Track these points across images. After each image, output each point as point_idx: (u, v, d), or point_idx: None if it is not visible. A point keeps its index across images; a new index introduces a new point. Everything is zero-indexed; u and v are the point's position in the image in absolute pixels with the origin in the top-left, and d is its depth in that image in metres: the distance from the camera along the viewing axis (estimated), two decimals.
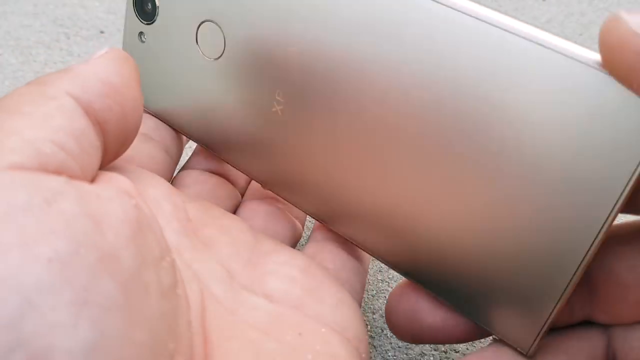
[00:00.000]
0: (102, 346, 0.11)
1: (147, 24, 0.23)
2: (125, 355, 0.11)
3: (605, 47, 0.14)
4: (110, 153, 0.16)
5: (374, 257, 0.20)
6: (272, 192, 0.22)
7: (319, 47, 0.19)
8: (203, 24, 0.22)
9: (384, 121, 0.18)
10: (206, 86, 0.22)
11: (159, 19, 0.23)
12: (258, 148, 0.21)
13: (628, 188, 0.15)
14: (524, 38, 0.16)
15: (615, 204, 0.15)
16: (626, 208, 0.16)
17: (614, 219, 0.16)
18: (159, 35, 0.23)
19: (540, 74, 0.16)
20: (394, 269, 0.19)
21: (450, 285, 0.18)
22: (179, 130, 0.23)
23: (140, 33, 0.24)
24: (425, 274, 0.19)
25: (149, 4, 0.23)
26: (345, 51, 0.18)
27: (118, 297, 0.11)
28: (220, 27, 0.21)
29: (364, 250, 0.20)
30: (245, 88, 0.21)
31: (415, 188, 0.18)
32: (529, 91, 0.16)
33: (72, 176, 0.13)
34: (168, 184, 0.20)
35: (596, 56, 0.16)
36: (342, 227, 0.20)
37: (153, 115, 0.23)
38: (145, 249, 0.13)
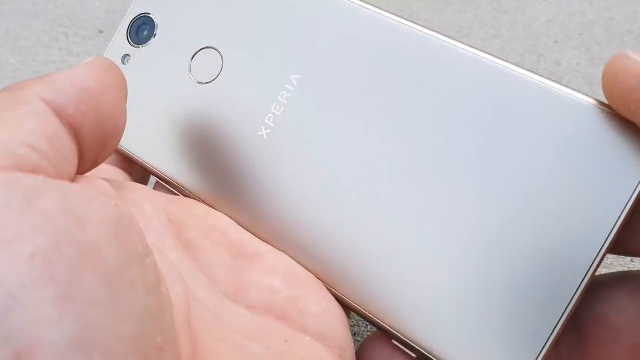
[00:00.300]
0: (88, 339, 0.11)
1: (136, 47, 0.24)
2: (112, 347, 0.11)
3: (608, 75, 0.15)
4: (88, 158, 0.16)
5: (351, 308, 0.19)
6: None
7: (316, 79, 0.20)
8: (202, 50, 0.22)
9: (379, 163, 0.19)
10: (193, 110, 0.22)
11: (152, 42, 0.23)
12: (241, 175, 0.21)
13: (614, 231, 0.16)
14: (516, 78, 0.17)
15: (602, 246, 0.16)
16: (614, 249, 0.17)
17: (601, 261, 0.16)
18: (147, 58, 0.24)
19: (535, 114, 0.17)
20: (373, 322, 0.19)
21: (433, 332, 0.18)
22: (144, 163, 0.22)
23: (125, 55, 0.24)
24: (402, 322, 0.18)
25: (146, 31, 0.24)
26: (336, 81, 0.20)
27: (101, 291, 0.11)
28: (219, 52, 0.22)
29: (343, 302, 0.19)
30: (235, 111, 0.21)
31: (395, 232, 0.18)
32: (514, 130, 0.17)
33: (48, 176, 0.13)
34: (148, 188, 0.20)
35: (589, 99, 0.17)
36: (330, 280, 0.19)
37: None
38: (128, 245, 0.13)
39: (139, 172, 0.23)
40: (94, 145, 0.16)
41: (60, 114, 0.15)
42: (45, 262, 0.11)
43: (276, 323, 0.18)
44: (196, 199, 0.21)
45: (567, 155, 0.16)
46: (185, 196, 0.21)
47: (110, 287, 0.12)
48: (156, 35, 0.23)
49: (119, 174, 0.22)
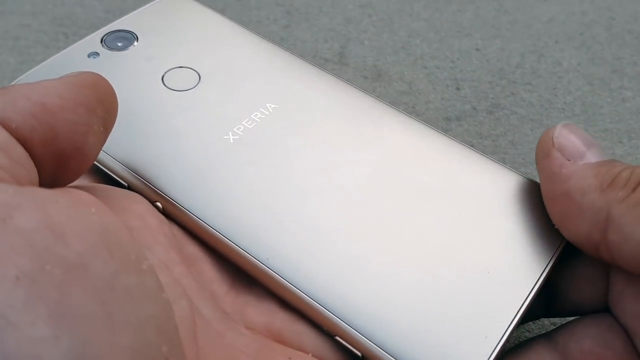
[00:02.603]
0: (88, 354, 0.11)
1: (108, 50, 0.24)
2: None
3: (538, 146, 0.21)
4: (45, 174, 0.16)
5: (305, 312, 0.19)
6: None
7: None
8: (180, 67, 0.23)
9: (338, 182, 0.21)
10: (161, 112, 0.22)
11: (127, 52, 0.24)
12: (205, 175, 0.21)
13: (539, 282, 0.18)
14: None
15: (527, 296, 0.18)
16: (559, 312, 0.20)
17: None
18: (117, 60, 0.24)
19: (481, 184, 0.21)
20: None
21: (379, 330, 0.18)
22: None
23: (94, 53, 0.24)
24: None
25: (123, 42, 0.24)
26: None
27: (93, 306, 0.11)
28: (197, 72, 0.24)
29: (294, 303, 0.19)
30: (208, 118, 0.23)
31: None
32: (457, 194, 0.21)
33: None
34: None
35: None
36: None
37: None
38: (118, 254, 0.13)
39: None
40: (46, 161, 0.16)
41: (4, 125, 0.15)
42: (31, 283, 0.11)
43: (276, 344, 0.18)
44: (153, 196, 0.21)
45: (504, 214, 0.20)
46: (140, 193, 0.21)
47: (102, 299, 0.11)
48: (133, 47, 0.24)
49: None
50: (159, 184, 0.21)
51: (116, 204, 0.18)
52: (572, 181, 0.19)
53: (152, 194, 0.20)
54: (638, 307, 0.18)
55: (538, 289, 0.19)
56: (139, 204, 0.19)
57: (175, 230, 0.20)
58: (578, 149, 0.19)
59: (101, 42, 0.25)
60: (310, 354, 0.18)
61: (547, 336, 0.20)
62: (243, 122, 0.23)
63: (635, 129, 0.35)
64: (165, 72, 0.24)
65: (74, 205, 0.13)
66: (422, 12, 0.43)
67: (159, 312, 0.13)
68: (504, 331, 0.17)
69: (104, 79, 0.18)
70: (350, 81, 0.37)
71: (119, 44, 0.25)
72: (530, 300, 0.18)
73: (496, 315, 0.18)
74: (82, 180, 0.20)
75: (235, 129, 0.22)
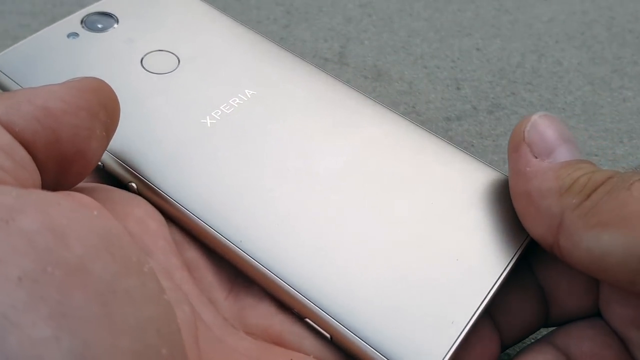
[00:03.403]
0: (88, 356, 0.11)
1: (88, 31, 0.24)
2: None
3: (511, 137, 0.21)
4: (47, 178, 0.16)
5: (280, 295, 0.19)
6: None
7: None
8: (160, 51, 0.24)
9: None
10: (139, 94, 0.23)
11: (107, 33, 0.24)
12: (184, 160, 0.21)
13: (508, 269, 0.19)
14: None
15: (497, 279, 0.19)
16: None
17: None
18: (97, 42, 0.24)
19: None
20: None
21: (349, 312, 0.18)
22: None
23: (73, 33, 0.24)
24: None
25: (103, 24, 0.24)
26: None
27: (94, 307, 0.11)
28: (177, 56, 0.24)
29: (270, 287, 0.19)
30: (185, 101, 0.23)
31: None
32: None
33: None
34: (148, 203, 0.20)
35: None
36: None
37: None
38: (120, 256, 0.13)
39: None
40: (49, 165, 0.16)
41: (7, 128, 0.15)
42: (33, 284, 0.11)
43: (277, 347, 0.18)
44: (128, 177, 0.21)
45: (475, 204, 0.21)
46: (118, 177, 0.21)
47: (103, 302, 0.11)
48: (113, 29, 0.24)
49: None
50: (133, 164, 0.21)
51: (117, 208, 0.18)
52: (533, 182, 0.19)
53: (126, 175, 0.21)
54: (624, 311, 0.18)
55: (505, 277, 0.19)
56: (139, 208, 0.19)
57: (176, 235, 0.20)
58: (548, 145, 0.19)
59: (81, 22, 0.25)
60: (311, 356, 0.18)
61: (547, 339, 0.20)
62: (221, 107, 0.23)
63: (636, 129, 0.35)
64: (145, 55, 0.24)
65: (76, 208, 0.13)
66: (422, 12, 0.43)
67: (159, 315, 0.13)
68: (470, 317, 0.18)
69: (106, 84, 0.18)
70: (350, 81, 0.37)
71: (99, 26, 0.25)
72: (497, 288, 0.19)
73: (463, 301, 0.18)
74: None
75: (212, 114, 0.22)
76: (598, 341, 0.19)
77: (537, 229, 0.19)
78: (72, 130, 0.16)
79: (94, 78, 0.18)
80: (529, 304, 0.20)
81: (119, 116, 0.18)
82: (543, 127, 0.20)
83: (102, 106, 0.17)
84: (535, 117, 0.20)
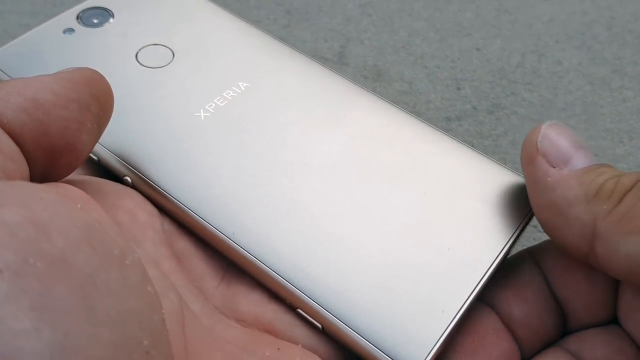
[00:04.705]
0: (69, 347, 0.11)
1: (84, 26, 0.24)
2: (94, 354, 0.11)
3: (523, 150, 0.20)
4: (35, 170, 0.16)
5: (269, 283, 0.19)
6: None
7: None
8: (154, 45, 0.24)
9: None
10: (134, 88, 0.23)
11: (103, 28, 0.24)
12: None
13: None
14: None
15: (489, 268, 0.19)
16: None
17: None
18: (93, 37, 0.24)
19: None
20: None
21: (341, 301, 0.18)
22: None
23: (69, 29, 0.25)
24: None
25: (99, 19, 0.25)
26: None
27: (75, 299, 0.11)
28: (171, 50, 0.24)
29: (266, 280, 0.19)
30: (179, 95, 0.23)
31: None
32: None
33: None
34: (139, 194, 0.20)
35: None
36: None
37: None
38: (101, 249, 0.13)
39: None
40: (37, 157, 0.16)
41: None
42: (14, 276, 0.11)
43: (266, 335, 0.18)
44: (123, 171, 0.21)
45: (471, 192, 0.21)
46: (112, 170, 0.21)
47: (83, 294, 0.11)
48: (109, 24, 0.24)
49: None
50: (128, 158, 0.21)
51: (107, 199, 0.18)
52: (557, 191, 0.18)
53: (121, 168, 0.21)
54: None
55: (496, 267, 0.19)
56: (129, 199, 0.19)
57: (167, 225, 0.20)
58: (563, 154, 0.19)
59: (77, 18, 0.25)
60: (300, 345, 0.18)
61: (560, 344, 0.20)
62: (215, 100, 0.23)
63: (636, 129, 0.35)
64: (140, 49, 0.24)
65: (59, 201, 0.13)
66: (422, 12, 0.43)
67: (141, 307, 0.13)
68: (460, 306, 0.18)
69: (99, 74, 0.18)
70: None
71: (95, 21, 0.25)
72: (488, 278, 0.19)
73: (454, 290, 0.18)
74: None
75: (207, 107, 0.22)
76: (612, 347, 0.19)
77: (569, 238, 0.18)
78: (61, 123, 0.16)
79: (88, 69, 0.17)
80: (550, 318, 0.20)
81: (112, 108, 0.18)
82: (555, 136, 0.19)
83: (94, 98, 0.17)
84: (544, 128, 0.20)
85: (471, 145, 0.34)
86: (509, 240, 0.20)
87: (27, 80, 0.16)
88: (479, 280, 0.18)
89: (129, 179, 0.21)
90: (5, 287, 0.11)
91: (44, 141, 0.16)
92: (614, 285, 0.19)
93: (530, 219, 0.20)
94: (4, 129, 0.15)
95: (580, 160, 0.19)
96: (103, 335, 0.11)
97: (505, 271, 0.20)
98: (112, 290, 0.12)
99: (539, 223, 0.19)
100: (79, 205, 0.13)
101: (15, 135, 0.15)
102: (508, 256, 0.20)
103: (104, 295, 0.12)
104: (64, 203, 0.13)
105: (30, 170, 0.15)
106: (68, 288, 0.11)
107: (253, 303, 0.19)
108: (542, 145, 0.19)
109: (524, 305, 0.19)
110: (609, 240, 0.17)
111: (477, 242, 0.19)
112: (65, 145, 0.16)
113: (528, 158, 0.19)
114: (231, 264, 0.20)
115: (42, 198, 0.13)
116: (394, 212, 0.20)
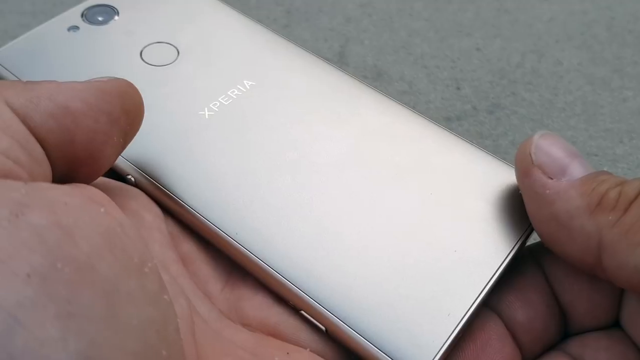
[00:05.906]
0: (94, 357, 0.10)
1: (88, 24, 0.24)
2: None
3: (516, 163, 0.20)
4: (57, 175, 0.16)
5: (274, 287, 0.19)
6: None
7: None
8: (159, 43, 0.23)
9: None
10: (138, 86, 0.23)
11: (107, 26, 0.24)
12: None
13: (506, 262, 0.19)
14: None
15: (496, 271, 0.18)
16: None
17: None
18: (97, 34, 0.24)
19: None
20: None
21: (345, 304, 0.18)
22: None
23: (74, 27, 0.24)
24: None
25: (103, 16, 0.24)
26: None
27: (101, 307, 0.11)
28: (176, 48, 0.24)
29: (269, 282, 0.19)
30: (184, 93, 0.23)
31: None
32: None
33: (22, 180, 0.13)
34: (145, 195, 0.19)
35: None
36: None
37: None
38: (122, 256, 0.12)
39: None
40: (59, 164, 0.15)
41: (24, 122, 0.14)
42: (42, 281, 0.11)
43: (274, 339, 0.18)
44: (126, 169, 0.21)
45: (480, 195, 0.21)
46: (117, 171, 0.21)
47: (108, 302, 0.11)
48: (113, 22, 0.24)
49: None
50: (131, 157, 0.21)
51: (113, 200, 0.18)
52: (558, 204, 0.18)
53: (125, 167, 0.21)
54: None
55: (503, 270, 0.19)
56: (135, 200, 0.19)
57: (171, 227, 0.19)
58: (559, 164, 0.18)
59: (82, 16, 0.25)
60: (308, 349, 0.18)
61: (561, 348, 0.20)
62: (219, 99, 0.23)
63: (636, 129, 0.35)
64: (144, 47, 0.24)
65: (83, 205, 0.13)
66: (422, 12, 0.43)
67: (158, 316, 0.12)
68: (466, 309, 0.17)
69: (133, 87, 0.17)
70: None
71: (100, 19, 0.25)
72: (495, 281, 0.18)
73: (460, 293, 0.18)
74: None
75: (211, 105, 0.22)
76: (614, 351, 0.18)
77: (573, 251, 0.18)
78: (88, 134, 0.15)
79: (122, 80, 0.17)
80: (552, 321, 0.20)
81: (140, 123, 0.18)
82: (548, 147, 0.19)
83: (124, 112, 0.16)
84: (536, 139, 0.19)
85: None
86: (517, 242, 0.19)
87: (59, 85, 0.15)
88: (487, 283, 0.18)
89: (132, 177, 0.20)
90: (32, 293, 0.10)
91: (68, 150, 0.15)
92: (618, 289, 0.19)
93: None
94: (31, 132, 0.15)
95: (577, 169, 0.18)
96: (128, 344, 0.11)
97: (508, 273, 0.20)
98: (133, 298, 0.12)
99: (540, 237, 0.19)
100: (102, 210, 0.13)
101: (40, 139, 0.15)
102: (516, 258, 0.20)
103: (126, 304, 0.12)
104: (88, 207, 0.13)
105: (54, 172, 0.15)
106: (94, 295, 0.11)
107: (258, 306, 0.18)
108: (537, 157, 0.19)
109: (528, 309, 0.19)
110: (617, 252, 0.16)
111: (484, 244, 0.19)
112: (89, 156, 0.16)
113: (523, 171, 0.19)
114: (235, 266, 0.19)
115: (67, 203, 0.13)
116: (400, 213, 0.20)
